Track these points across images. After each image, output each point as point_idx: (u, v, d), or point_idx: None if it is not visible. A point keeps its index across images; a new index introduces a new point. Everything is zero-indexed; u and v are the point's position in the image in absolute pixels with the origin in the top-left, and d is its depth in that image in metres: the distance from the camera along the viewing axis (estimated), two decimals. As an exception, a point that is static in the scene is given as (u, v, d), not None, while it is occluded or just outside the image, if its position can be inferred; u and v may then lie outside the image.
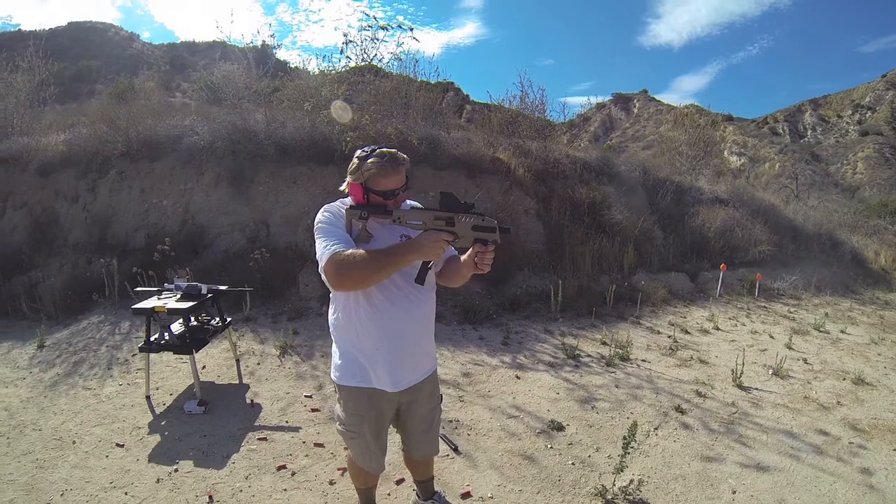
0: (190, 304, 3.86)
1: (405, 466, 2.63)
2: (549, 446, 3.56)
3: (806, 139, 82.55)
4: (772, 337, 6.91)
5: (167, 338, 3.89)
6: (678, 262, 10.02)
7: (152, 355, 4.07)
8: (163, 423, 3.71)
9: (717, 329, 7.08)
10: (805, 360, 5.93)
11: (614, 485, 3.01)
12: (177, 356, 4.60)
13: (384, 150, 1.95)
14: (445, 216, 1.83)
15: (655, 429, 3.91)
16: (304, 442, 3.47)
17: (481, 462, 3.31)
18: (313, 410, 3.91)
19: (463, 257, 2.03)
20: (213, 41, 53.73)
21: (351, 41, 8.57)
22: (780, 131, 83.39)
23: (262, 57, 8.86)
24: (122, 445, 3.39)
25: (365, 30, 8.63)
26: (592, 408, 4.20)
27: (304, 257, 6.53)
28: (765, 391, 4.88)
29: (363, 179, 1.92)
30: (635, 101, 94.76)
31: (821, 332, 7.37)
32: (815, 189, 31.12)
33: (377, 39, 8.55)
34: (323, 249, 1.83)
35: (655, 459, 3.48)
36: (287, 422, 3.75)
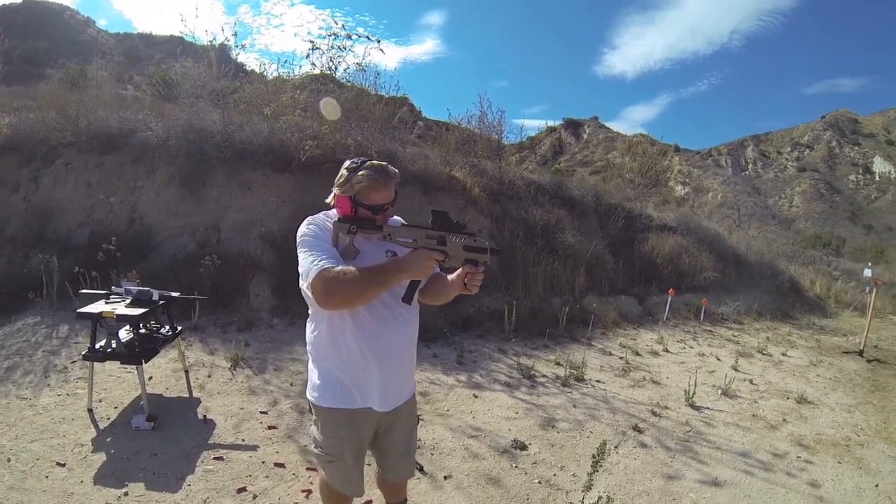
0: (141, 310, 3.67)
1: (376, 488, 2.58)
2: (514, 465, 3.58)
3: (747, 172, 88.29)
4: (718, 359, 7.25)
5: (114, 346, 3.66)
6: (627, 286, 10.38)
7: (95, 364, 3.81)
8: (108, 439, 3.45)
9: (667, 351, 7.37)
10: (751, 381, 6.26)
11: (583, 502, 3.06)
12: (121, 366, 4.34)
13: (374, 162, 1.92)
14: (437, 235, 1.80)
15: (615, 447, 4.02)
16: (263, 462, 3.33)
17: (446, 483, 3.29)
18: (270, 428, 3.75)
19: (451, 277, 2.02)
20: (171, 35, 52.12)
21: (317, 48, 8.52)
22: (724, 164, 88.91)
23: (221, 57, 8.67)
24: (64, 465, 3.12)
25: (332, 37, 8.60)
26: (553, 427, 4.27)
27: (255, 266, 6.39)
28: (716, 410, 5.11)
29: (352, 192, 1.88)
30: (586, 126, 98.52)
31: (764, 354, 7.80)
32: (755, 220, 32.93)
33: (343, 48, 8.54)
34: (310, 265, 1.77)
35: (619, 477, 3.57)
36: (243, 440, 3.59)
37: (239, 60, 9.45)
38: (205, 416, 3.84)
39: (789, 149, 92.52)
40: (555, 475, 3.51)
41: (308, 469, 3.24)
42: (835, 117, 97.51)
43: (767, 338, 9.10)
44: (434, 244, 1.80)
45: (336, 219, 1.92)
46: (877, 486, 3.85)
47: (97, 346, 3.66)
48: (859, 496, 3.68)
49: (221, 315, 5.84)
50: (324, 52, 8.52)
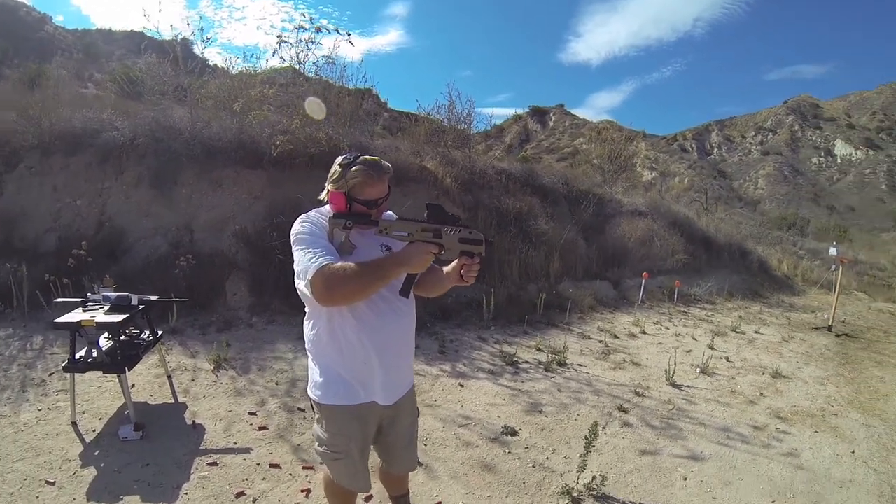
0: (121, 316, 3.57)
1: (376, 482, 2.58)
2: (507, 451, 3.65)
3: (712, 157, 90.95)
4: (694, 339, 7.47)
5: (95, 355, 3.55)
6: (601, 271, 10.60)
7: (75, 375, 3.69)
8: (96, 452, 3.32)
9: (644, 333, 7.56)
10: (727, 359, 6.47)
11: (578, 482, 3.16)
12: (101, 375, 4.21)
13: (368, 157, 1.93)
14: (432, 228, 1.82)
15: (602, 428, 4.13)
16: (258, 464, 3.29)
17: (442, 473, 3.33)
18: (261, 429, 3.73)
19: (446, 269, 2.04)
20: (132, 31, 50.44)
21: (285, 41, 8.39)
22: (689, 148, 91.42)
23: (185, 52, 8.47)
24: (53, 483, 2.99)
25: (300, 30, 8.48)
26: (540, 412, 4.36)
27: (231, 265, 6.32)
28: (695, 388, 5.29)
29: (347, 188, 1.88)
30: (551, 114, 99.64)
31: (737, 333, 8.06)
32: (721, 202, 33.80)
33: (312, 42, 8.43)
34: (308, 262, 1.76)
35: (609, 456, 3.68)
36: (235, 443, 3.54)
37: (202, 55, 9.23)
38: (193, 422, 3.78)
39: (753, 133, 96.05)
40: (547, 458, 3.59)
41: (304, 468, 3.23)
42: (797, 102, 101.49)
43: (740, 316, 9.40)
44: (430, 237, 1.81)
45: (331, 215, 1.91)
46: (853, 452, 4.07)
47: (77, 356, 3.54)
48: (837, 463, 3.88)
49: (199, 316, 5.75)
50: (292, 46, 8.41)
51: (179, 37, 8.42)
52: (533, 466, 3.47)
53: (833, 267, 13.12)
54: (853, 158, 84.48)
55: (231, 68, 9.04)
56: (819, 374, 6.09)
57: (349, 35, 8.69)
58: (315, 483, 3.07)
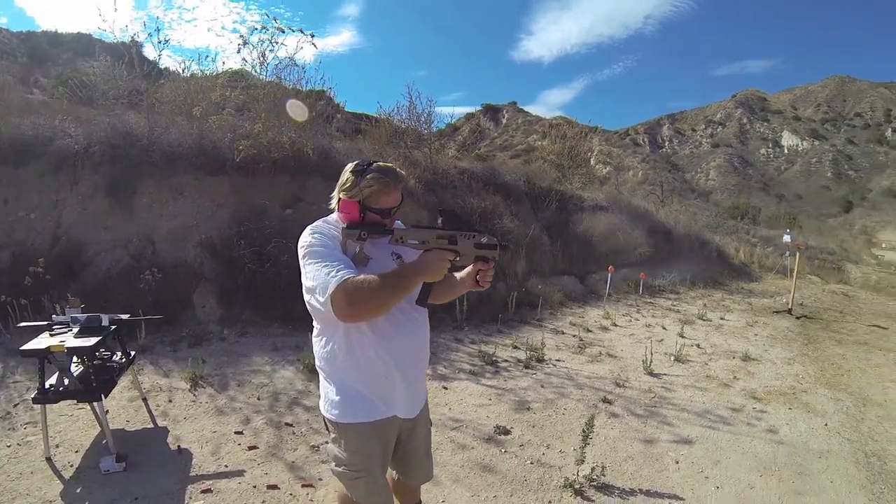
0: (94, 339, 3.39)
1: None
2: (503, 451, 3.72)
3: (664, 150, 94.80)
4: (664, 328, 7.76)
5: (67, 383, 3.34)
6: (567, 267, 10.88)
7: (47, 406, 3.38)
8: (78, 489, 3.08)
9: (615, 325, 7.82)
10: (698, 346, 6.77)
11: (578, 475, 3.28)
12: (72, 404, 3.97)
13: (381, 164, 1.89)
14: (447, 234, 1.80)
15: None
16: (254, 486, 3.16)
17: (443, 477, 3.35)
18: (250, 448, 3.59)
19: (460, 275, 2.04)
20: (79, 33, 47.77)
21: (247, 43, 8.23)
22: (641, 142, 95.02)
23: (138, 55, 8.20)
24: None
25: (263, 31, 8.33)
26: (528, 409, 4.47)
27: (197, 276, 6.17)
28: (672, 375, 5.52)
29: (361, 197, 1.84)
30: (504, 111, 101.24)
31: (704, 320, 8.42)
32: (675, 194, 34.93)
33: (275, 42, 8.31)
34: (326, 277, 1.69)
35: (602, 447, 3.82)
36: (226, 466, 3.38)
37: (152, 58, 8.94)
38: (178, 446, 3.61)
39: (703, 126, 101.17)
40: (543, 454, 3.69)
41: (304, 486, 3.17)
42: (745, 96, 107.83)
43: (704, 304, 9.81)
44: (445, 244, 1.80)
45: (343, 225, 1.86)
46: (826, 425, 4.40)
47: (47, 385, 3.31)
48: (813, 435, 4.18)
49: (168, 332, 5.58)
50: (254, 47, 8.28)
51: (134, 38, 8.15)
52: (531, 463, 3.56)
53: (788, 253, 13.83)
54: (799, 149, 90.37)
55: (186, 71, 8.79)
56: (785, 355, 6.45)
57: (312, 35, 8.60)
58: (318, 501, 3.04)
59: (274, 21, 8.29)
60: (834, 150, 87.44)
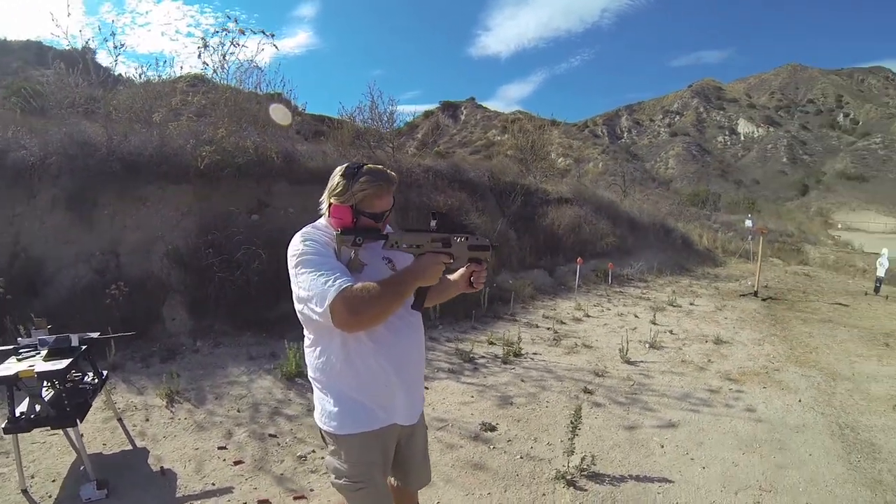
0: (65, 361, 3.24)
1: None
2: (492, 447, 3.76)
3: (623, 140, 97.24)
4: (636, 316, 7.95)
5: (38, 409, 3.18)
6: (535, 260, 11.04)
7: (19, 434, 3.19)
8: None
9: (588, 316, 7.97)
10: (671, 332, 6.96)
11: (569, 466, 3.34)
12: (43, 430, 3.65)
13: (372, 167, 1.85)
14: (441, 237, 1.79)
15: (574, 411, 4.35)
16: (244, 503, 3.11)
17: (435, 478, 3.27)
18: (236, 463, 3.48)
19: (453, 277, 2.03)
20: (28, 40, 45.39)
21: (207, 46, 8.03)
22: (600, 133, 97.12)
23: (92, 61, 7.93)
24: None
25: (222, 33, 8.14)
26: (511, 404, 4.52)
27: (165, 288, 6.03)
28: (649, 362, 5.67)
29: (354, 201, 1.80)
30: (463, 108, 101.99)
31: (674, 306, 8.66)
32: (637, 184, 35.71)
33: (236, 45, 8.13)
34: (324, 286, 1.65)
35: (588, 437, 3.89)
36: (213, 484, 3.26)
37: (106, 65, 8.63)
38: (161, 467, 3.46)
39: (661, 116, 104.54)
40: (531, 448, 3.74)
41: (296, 498, 3.13)
42: (701, 86, 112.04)
43: (673, 291, 10.08)
44: (440, 247, 1.78)
45: (337, 231, 1.80)
46: (799, 401, 4.62)
47: (17, 412, 3.15)
48: (788, 412, 4.39)
49: (138, 347, 5.41)
50: (214, 50, 8.09)
51: (88, 43, 7.87)
52: (520, 458, 3.60)
53: (750, 237, 14.29)
54: (755, 135, 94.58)
55: (142, 77, 8.54)
56: (755, 337, 6.70)
57: (273, 37, 8.46)
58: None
59: (234, 23, 8.11)
60: (788, 135, 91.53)
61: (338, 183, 1.82)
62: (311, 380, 1.96)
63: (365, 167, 1.83)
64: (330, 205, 1.85)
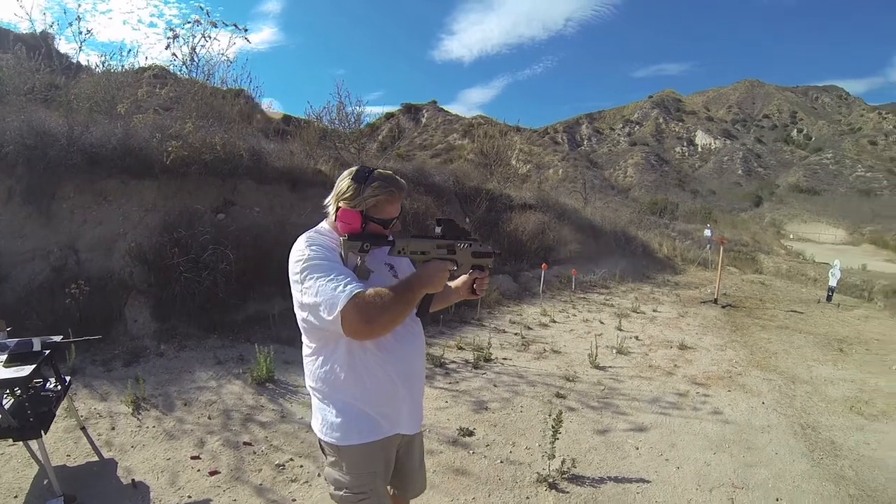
0: (28, 367, 3.06)
1: None
2: (471, 452, 3.80)
3: (583, 148, 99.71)
4: (602, 322, 8.16)
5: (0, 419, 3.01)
6: (499, 265, 11.16)
7: None
8: None
9: (554, 322, 8.13)
10: (636, 338, 7.18)
11: (550, 469, 3.43)
12: (3, 441, 3.51)
13: (383, 172, 1.82)
14: (446, 244, 1.80)
15: (549, 415, 4.43)
16: None
17: None
18: (212, 473, 3.37)
19: (455, 283, 2.04)
20: None
21: (177, 37, 7.81)
22: (560, 140, 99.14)
23: (49, 48, 7.61)
24: None
25: (194, 25, 7.95)
26: (486, 409, 4.59)
27: (127, 287, 5.84)
28: (618, 367, 5.84)
29: (364, 207, 1.76)
30: (424, 111, 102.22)
31: (638, 313, 8.93)
32: (596, 191, 36.49)
33: (207, 38, 7.95)
34: (334, 292, 1.61)
35: (565, 440, 3.96)
36: (189, 496, 3.14)
37: (77, 51, 8.30)
38: (132, 480, 3.30)
39: (621, 125, 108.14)
40: (511, 452, 3.81)
41: None
42: (661, 97, 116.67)
43: (636, 298, 10.38)
44: (445, 254, 1.79)
45: (344, 237, 1.76)
46: (763, 403, 4.90)
47: None
48: (753, 413, 4.65)
49: (99, 350, 5.20)
50: (185, 42, 7.90)
51: (50, 27, 7.56)
52: (501, 462, 3.67)
53: (709, 246, 14.81)
54: (712, 147, 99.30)
55: (105, 65, 8.25)
56: (718, 342, 6.98)
57: (246, 30, 8.32)
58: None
59: (207, 14, 7.94)
60: (744, 148, 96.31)
61: (348, 186, 1.78)
62: (309, 389, 1.92)
63: (375, 171, 1.80)
64: (338, 209, 1.81)
